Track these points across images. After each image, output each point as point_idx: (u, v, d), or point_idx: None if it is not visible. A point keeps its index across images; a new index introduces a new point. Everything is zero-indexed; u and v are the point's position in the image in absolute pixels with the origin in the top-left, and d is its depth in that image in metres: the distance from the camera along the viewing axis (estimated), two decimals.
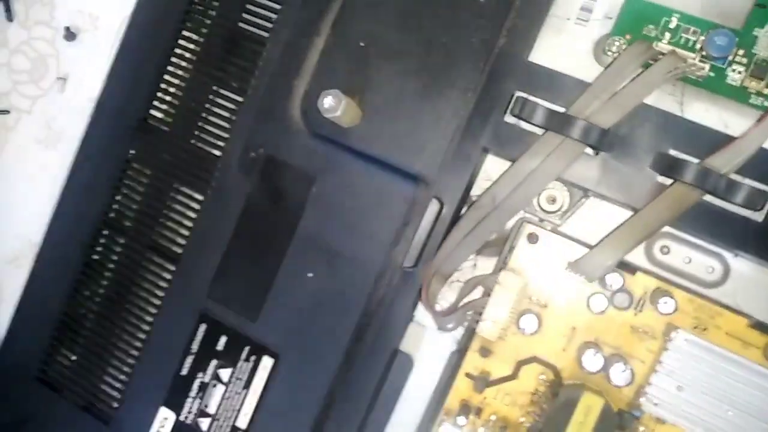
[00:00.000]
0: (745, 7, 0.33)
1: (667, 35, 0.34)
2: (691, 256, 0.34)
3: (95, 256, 0.41)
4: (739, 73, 0.34)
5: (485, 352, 0.33)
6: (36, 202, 0.45)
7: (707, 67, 0.33)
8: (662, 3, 0.34)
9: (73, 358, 0.41)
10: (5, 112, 0.47)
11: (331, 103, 0.33)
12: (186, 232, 0.39)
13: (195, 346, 0.38)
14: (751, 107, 0.33)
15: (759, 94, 0.33)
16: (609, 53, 0.35)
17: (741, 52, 0.34)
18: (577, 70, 0.34)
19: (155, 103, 0.40)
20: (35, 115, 0.47)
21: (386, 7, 0.36)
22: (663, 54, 0.33)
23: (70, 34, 0.45)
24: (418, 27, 0.35)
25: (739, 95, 0.34)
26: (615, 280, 0.31)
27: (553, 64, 0.35)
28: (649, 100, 0.33)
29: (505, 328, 0.33)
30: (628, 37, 0.35)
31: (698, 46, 0.34)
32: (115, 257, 0.40)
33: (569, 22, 0.35)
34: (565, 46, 0.35)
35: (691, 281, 0.34)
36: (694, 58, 0.33)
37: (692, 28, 0.34)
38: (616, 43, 0.34)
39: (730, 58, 0.34)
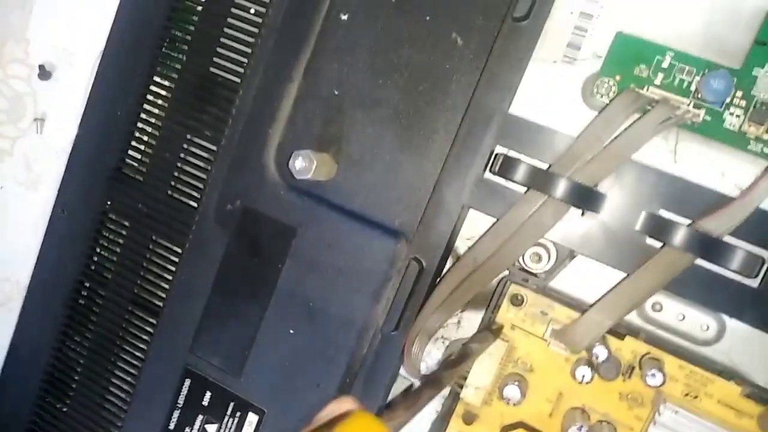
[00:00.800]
0: (745, 44, 0.31)
1: (660, 75, 0.32)
2: (685, 313, 0.32)
3: (79, 307, 0.40)
4: (738, 117, 0.31)
5: (470, 417, 0.32)
6: (22, 244, 0.44)
7: (702, 113, 0.31)
8: (655, 40, 0.32)
9: (64, 409, 0.41)
10: None
11: (302, 164, 0.32)
12: (166, 286, 0.38)
13: (181, 401, 0.38)
14: (750, 154, 0.31)
15: (758, 140, 0.31)
16: (597, 95, 0.32)
17: (739, 93, 0.31)
18: (564, 114, 0.32)
19: (129, 151, 0.39)
20: (16, 156, 0.46)
21: (360, 52, 0.34)
22: (654, 102, 0.31)
23: (45, 73, 0.44)
24: (393, 73, 0.33)
25: (737, 141, 0.31)
26: (601, 351, 0.29)
27: (538, 111, 0.33)
28: (639, 151, 0.31)
29: (490, 392, 0.32)
30: (618, 78, 0.32)
31: (693, 87, 0.31)
32: (97, 309, 0.40)
33: (555, 64, 0.33)
34: (552, 88, 0.33)
35: (684, 339, 0.32)
36: (688, 104, 0.31)
37: (687, 68, 0.32)
38: (605, 85, 0.32)
39: (728, 100, 0.31)
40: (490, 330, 0.32)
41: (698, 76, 0.31)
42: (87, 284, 0.40)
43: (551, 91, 0.33)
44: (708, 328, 0.32)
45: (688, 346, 0.32)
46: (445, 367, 0.32)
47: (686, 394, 0.30)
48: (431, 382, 0.30)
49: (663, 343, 0.32)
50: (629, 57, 0.32)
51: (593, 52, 0.33)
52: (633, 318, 0.33)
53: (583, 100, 0.33)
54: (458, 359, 0.31)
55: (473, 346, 0.31)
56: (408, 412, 0.28)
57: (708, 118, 0.32)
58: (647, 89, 0.32)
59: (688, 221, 0.29)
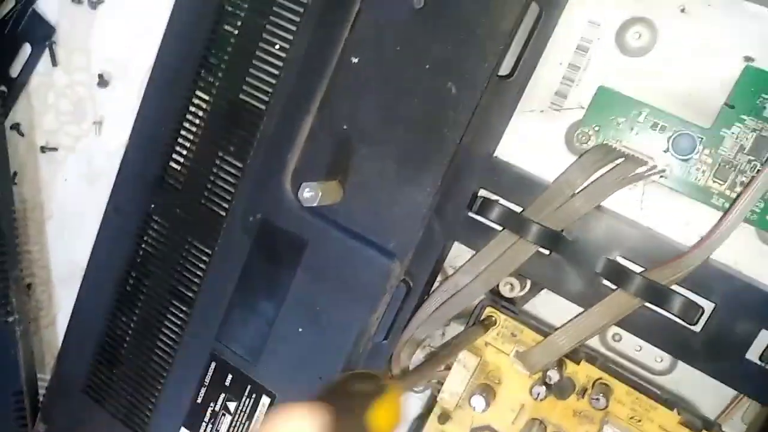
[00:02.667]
0: (717, 105, 0.34)
1: (635, 129, 0.35)
2: (642, 344, 0.36)
3: (126, 292, 0.47)
4: (703, 173, 0.34)
5: (444, 418, 0.37)
6: (82, 230, 0.51)
7: (667, 171, 0.34)
8: (634, 95, 0.35)
9: (113, 376, 0.48)
10: (54, 149, 0.53)
11: (308, 194, 0.36)
12: (198, 281, 0.44)
13: (207, 380, 0.44)
14: (712, 207, 0.34)
15: (721, 195, 0.34)
16: (578, 143, 0.36)
17: (707, 151, 0.34)
18: (549, 160, 0.36)
19: (171, 163, 0.44)
20: (78, 153, 0.52)
21: (367, 93, 0.38)
22: (624, 156, 0.34)
23: (102, 81, 0.50)
24: (395, 114, 0.37)
25: (701, 195, 0.34)
26: (553, 374, 0.33)
27: (526, 156, 0.36)
28: (608, 199, 0.34)
29: (463, 398, 0.36)
30: (596, 128, 0.36)
31: (665, 142, 0.34)
32: (141, 296, 0.46)
33: (543, 113, 0.37)
34: (538, 135, 0.37)
35: (640, 368, 0.36)
36: (653, 160, 0.34)
37: (661, 123, 0.35)
38: (585, 134, 0.36)
39: (696, 157, 0.34)
40: (481, 323, 0.37)
41: (670, 132, 0.34)
42: (133, 274, 0.46)
43: (538, 137, 0.37)
44: (662, 360, 0.36)
45: (644, 374, 0.36)
46: (438, 355, 0.36)
47: (631, 417, 0.34)
48: (431, 361, 0.34)
49: (621, 369, 0.36)
50: (609, 109, 0.35)
51: (578, 102, 0.36)
52: (596, 345, 0.37)
53: (566, 148, 0.36)
54: (454, 347, 0.35)
55: (464, 338, 0.36)
56: (419, 375, 0.32)
57: (676, 171, 0.35)
58: (621, 142, 0.35)
59: (641, 268, 0.33)
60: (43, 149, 0.53)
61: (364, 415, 0.22)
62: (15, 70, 0.52)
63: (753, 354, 0.31)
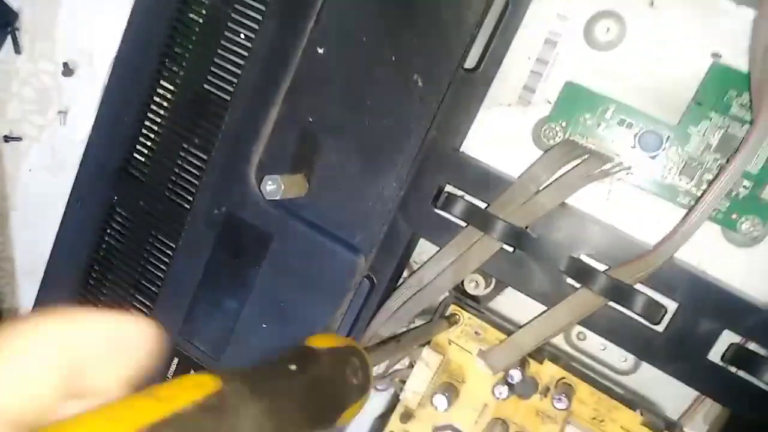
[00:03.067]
0: (685, 101, 0.33)
1: (602, 125, 0.34)
2: (606, 344, 0.35)
3: (89, 286, 0.46)
4: (670, 170, 0.34)
5: (407, 417, 0.37)
6: (46, 223, 0.50)
7: (633, 168, 0.34)
8: (602, 91, 0.34)
9: None
10: (18, 138, 0.52)
11: (271, 188, 0.36)
12: (161, 275, 0.43)
13: (170, 376, 0.43)
14: (678, 205, 0.34)
15: (687, 193, 0.34)
16: (545, 139, 0.35)
17: (674, 149, 0.34)
18: (516, 155, 0.35)
19: (134, 153, 0.43)
20: (43, 143, 0.51)
21: (333, 85, 0.37)
22: (589, 153, 0.33)
23: (67, 70, 0.49)
24: (361, 106, 0.36)
25: (668, 193, 0.34)
26: (515, 374, 0.33)
27: (493, 151, 0.36)
28: (574, 196, 0.33)
29: (426, 397, 0.36)
30: (563, 124, 0.35)
31: (632, 139, 0.34)
32: (104, 290, 0.45)
33: (510, 107, 0.36)
34: (506, 130, 0.36)
35: (605, 367, 0.36)
36: (620, 157, 0.34)
37: (628, 120, 0.34)
38: (552, 130, 0.35)
39: (663, 154, 0.34)
40: (446, 318, 0.36)
41: (637, 129, 0.34)
42: (96, 267, 0.45)
43: (505, 132, 0.36)
44: (626, 360, 0.36)
45: (608, 374, 0.36)
46: (406, 335, 0.35)
47: (593, 418, 0.33)
48: (395, 341, 0.33)
49: (585, 368, 0.36)
50: (575, 105, 0.35)
51: (545, 98, 0.36)
52: (561, 344, 0.37)
53: (533, 143, 0.36)
54: (419, 333, 0.35)
55: (431, 327, 0.35)
56: (375, 356, 0.31)
57: (642, 169, 0.34)
58: (587, 139, 0.34)
59: (606, 267, 0.32)
60: (6, 138, 0.52)
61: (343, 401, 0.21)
62: None
63: (715, 355, 0.31)
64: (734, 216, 0.33)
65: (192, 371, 0.42)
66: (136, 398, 0.14)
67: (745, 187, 0.32)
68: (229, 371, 0.17)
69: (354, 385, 0.21)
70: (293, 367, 0.19)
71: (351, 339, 0.24)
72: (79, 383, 0.14)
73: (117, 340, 0.16)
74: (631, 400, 0.34)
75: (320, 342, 0.22)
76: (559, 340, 0.37)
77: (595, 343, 0.36)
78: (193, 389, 0.15)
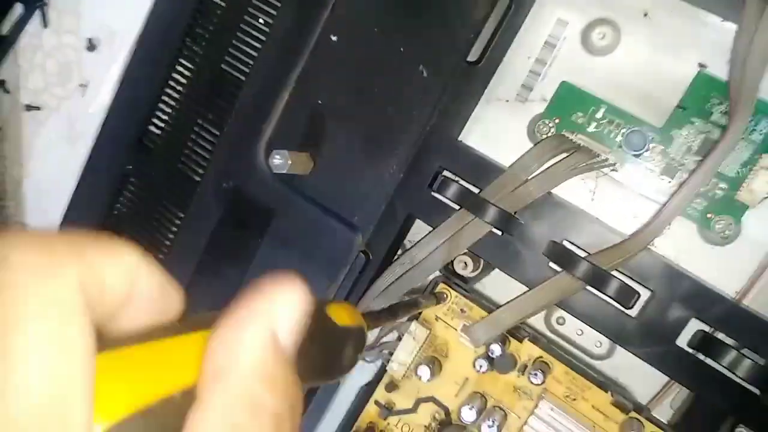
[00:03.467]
0: (671, 106, 0.36)
1: (593, 124, 0.37)
2: (583, 328, 0.37)
3: None
4: (652, 169, 0.36)
5: (392, 386, 0.39)
6: (59, 191, 0.52)
7: (618, 165, 0.36)
8: (595, 92, 0.37)
9: None
10: (38, 108, 0.54)
11: (279, 162, 0.38)
12: (168, 243, 0.45)
13: None
14: (657, 203, 0.36)
15: (667, 191, 0.36)
16: (538, 134, 0.38)
17: (658, 149, 0.36)
18: (511, 148, 0.38)
19: (150, 126, 0.46)
20: (62, 114, 0.53)
21: (343, 71, 0.39)
22: (578, 147, 0.36)
23: (91, 46, 0.51)
24: (368, 93, 0.39)
25: (649, 190, 0.36)
26: (496, 348, 0.35)
27: (490, 142, 0.38)
28: (561, 188, 0.36)
29: (411, 369, 0.38)
30: (557, 121, 0.37)
31: (619, 138, 0.36)
32: None
33: (508, 102, 0.38)
34: (503, 124, 0.38)
35: (580, 351, 0.38)
36: (607, 153, 0.36)
37: (616, 120, 0.36)
38: (546, 126, 0.37)
39: (647, 154, 0.36)
40: (433, 294, 0.38)
41: (625, 129, 0.36)
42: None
43: (503, 125, 0.39)
44: (601, 345, 0.38)
45: (583, 357, 0.38)
46: (400, 306, 0.37)
47: (566, 396, 0.35)
48: (389, 310, 0.35)
49: (563, 351, 0.38)
50: (569, 104, 0.37)
51: (542, 95, 0.38)
52: (541, 327, 0.39)
53: (528, 138, 0.38)
54: (410, 304, 0.36)
55: (421, 300, 0.37)
56: (370, 323, 0.33)
57: (627, 166, 0.37)
58: (577, 135, 0.37)
59: (584, 253, 0.34)
60: (27, 108, 0.54)
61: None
62: (5, 28, 0.53)
63: (683, 341, 0.33)
64: (709, 215, 0.35)
65: None
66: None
67: (721, 188, 0.35)
68: None
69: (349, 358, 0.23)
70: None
71: (361, 316, 0.25)
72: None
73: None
74: (604, 383, 0.36)
75: (338, 313, 0.23)
76: (539, 324, 0.39)
77: (572, 328, 0.38)
78: None
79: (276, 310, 0.15)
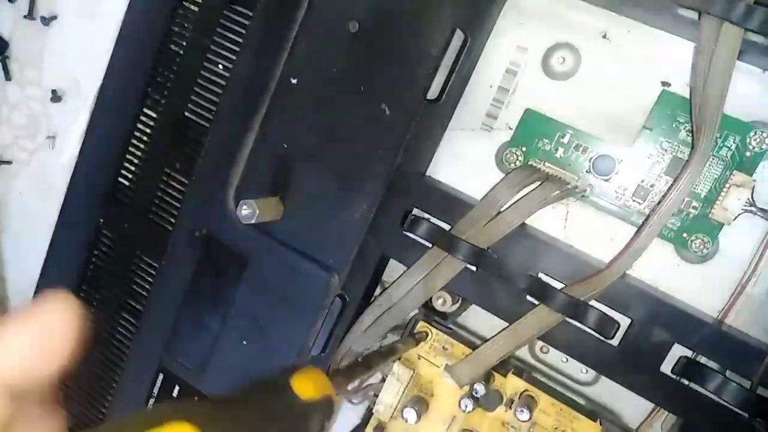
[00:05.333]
0: (637, 127, 0.35)
1: (560, 150, 0.36)
2: (568, 357, 0.37)
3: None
4: (623, 192, 0.36)
5: (380, 429, 0.38)
6: (36, 245, 0.52)
7: (588, 189, 0.36)
8: (559, 118, 0.36)
9: (63, 387, 0.48)
10: (8, 162, 0.53)
11: (247, 212, 0.37)
12: (146, 294, 0.45)
13: (155, 391, 0.45)
14: (633, 225, 0.35)
15: (640, 213, 0.35)
16: (506, 163, 0.37)
17: (627, 171, 0.35)
18: (480, 179, 0.37)
19: (119, 178, 0.45)
20: (32, 167, 0.53)
21: (305, 113, 0.39)
22: (547, 177, 0.35)
23: (56, 97, 0.51)
24: (332, 134, 0.38)
25: (622, 214, 0.36)
26: (480, 387, 0.35)
27: (458, 174, 0.38)
28: (533, 218, 0.35)
29: (398, 410, 0.38)
30: (523, 149, 0.37)
31: (587, 163, 0.36)
32: (92, 309, 0.47)
33: (474, 132, 0.38)
34: (470, 155, 0.38)
35: (566, 378, 0.37)
36: (576, 180, 0.36)
37: (583, 145, 0.36)
38: (513, 155, 0.37)
39: (616, 177, 0.36)
40: (412, 336, 0.38)
41: (592, 153, 0.36)
42: (83, 287, 0.47)
43: (470, 156, 0.38)
44: (587, 371, 0.37)
45: (570, 384, 0.37)
46: (376, 356, 0.37)
47: (555, 428, 0.35)
48: (365, 363, 0.35)
49: (549, 380, 0.37)
50: (534, 131, 0.37)
51: (506, 123, 0.37)
52: (525, 356, 0.39)
53: (496, 167, 0.38)
54: (387, 352, 0.36)
55: (399, 345, 0.37)
56: (344, 380, 0.32)
57: (597, 191, 0.36)
58: (545, 163, 0.36)
59: (562, 284, 0.34)
60: None
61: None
62: None
63: (667, 367, 0.33)
64: (685, 235, 0.35)
65: (177, 387, 0.44)
66: None
67: (694, 207, 0.34)
68: (201, 413, 0.18)
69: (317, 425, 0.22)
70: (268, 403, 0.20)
71: (330, 384, 0.24)
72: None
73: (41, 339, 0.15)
74: (592, 411, 0.35)
75: (303, 386, 0.22)
76: (524, 353, 0.39)
77: (557, 356, 0.38)
78: None
79: None
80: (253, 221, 0.37)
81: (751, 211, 0.34)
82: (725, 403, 0.31)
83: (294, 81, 0.39)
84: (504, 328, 0.35)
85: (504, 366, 0.36)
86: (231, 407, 0.20)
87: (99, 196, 0.46)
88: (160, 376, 0.45)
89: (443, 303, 0.37)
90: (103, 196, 0.46)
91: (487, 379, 0.35)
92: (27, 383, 0.15)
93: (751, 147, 0.33)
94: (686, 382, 0.33)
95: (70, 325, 0.16)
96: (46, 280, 0.49)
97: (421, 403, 0.37)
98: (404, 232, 0.37)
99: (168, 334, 0.44)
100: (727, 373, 0.32)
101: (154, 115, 0.44)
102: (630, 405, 0.37)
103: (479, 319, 0.39)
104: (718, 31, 0.30)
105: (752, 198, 0.33)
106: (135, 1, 0.43)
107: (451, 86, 0.36)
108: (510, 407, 0.36)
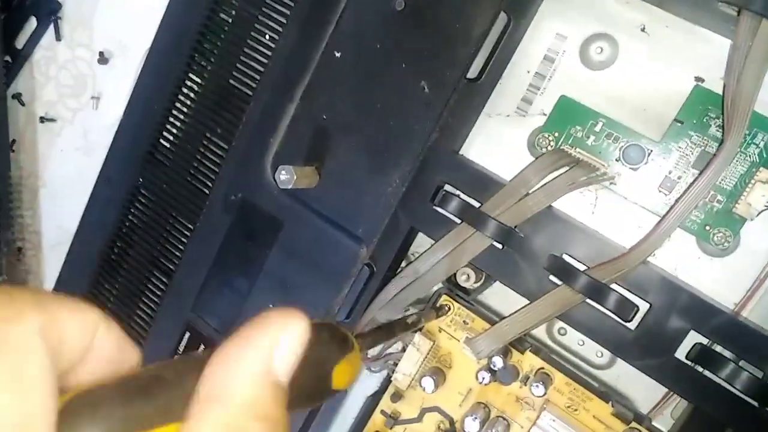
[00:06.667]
0: (668, 120, 0.36)
1: (592, 137, 0.37)
2: (585, 339, 0.38)
3: (111, 261, 0.49)
4: (650, 182, 0.37)
5: (397, 396, 0.39)
6: (74, 199, 0.54)
7: (616, 178, 0.37)
8: (593, 106, 0.37)
9: None
10: (53, 120, 0.55)
11: (285, 177, 0.39)
12: (179, 254, 0.46)
13: (181, 349, 0.46)
14: (657, 215, 0.36)
15: (665, 204, 0.36)
16: (538, 148, 0.38)
17: (656, 162, 0.36)
18: (512, 162, 0.38)
19: (161, 140, 0.47)
20: (75, 125, 0.55)
21: (346, 86, 0.40)
22: (577, 161, 0.36)
23: (103, 59, 0.53)
24: (371, 108, 0.40)
25: (647, 203, 0.37)
26: (498, 361, 0.36)
27: (492, 156, 0.39)
28: (561, 201, 0.36)
29: (416, 379, 0.39)
30: (556, 134, 0.38)
31: (617, 151, 0.37)
32: (125, 265, 0.49)
33: (509, 117, 0.39)
34: (504, 138, 0.39)
35: (582, 361, 0.38)
36: (605, 167, 0.37)
37: (615, 134, 0.37)
38: (545, 140, 0.38)
39: (645, 167, 0.36)
40: (434, 309, 0.39)
41: (623, 143, 0.37)
42: (118, 243, 0.49)
43: (503, 139, 0.39)
44: (602, 355, 0.38)
45: (585, 367, 0.38)
46: (398, 324, 0.38)
47: (568, 406, 0.36)
48: (387, 329, 0.36)
49: (564, 362, 0.39)
50: (568, 118, 0.38)
51: (541, 109, 0.39)
52: (543, 337, 0.40)
53: (528, 152, 0.39)
54: (409, 322, 0.37)
55: (421, 317, 0.38)
56: (367, 341, 0.33)
57: (626, 180, 0.37)
58: (576, 149, 0.37)
59: (584, 266, 0.35)
60: (42, 119, 0.56)
61: (329, 367, 0.23)
62: (20, 42, 0.55)
63: (681, 353, 0.34)
64: (707, 228, 0.36)
65: (202, 346, 0.45)
66: None
67: (719, 201, 0.35)
68: None
69: (329, 350, 0.23)
70: None
71: (359, 367, 0.25)
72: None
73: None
74: (605, 393, 0.36)
75: (340, 377, 0.23)
76: (541, 335, 0.40)
77: (574, 339, 0.39)
78: None
79: (274, 347, 0.16)
80: (290, 186, 0.39)
81: None
82: (736, 392, 0.32)
83: (338, 54, 0.40)
84: (525, 305, 0.36)
85: (521, 343, 0.37)
86: None
87: (140, 157, 0.48)
88: (187, 335, 0.46)
89: (467, 279, 0.38)
90: (143, 156, 0.47)
91: (505, 354, 0.37)
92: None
93: None
94: (700, 369, 0.34)
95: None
96: (83, 234, 0.51)
97: (439, 374, 0.38)
98: (434, 207, 0.38)
99: (197, 294, 0.46)
100: (741, 363, 0.33)
101: (199, 80, 0.45)
102: (642, 391, 0.38)
103: (500, 299, 0.40)
104: (756, 28, 0.30)
105: None
106: None
107: (490, 68, 0.37)
108: (525, 383, 0.37)
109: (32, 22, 0.55)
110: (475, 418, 0.36)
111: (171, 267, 0.47)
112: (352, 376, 0.24)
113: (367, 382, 0.42)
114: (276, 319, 0.16)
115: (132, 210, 0.48)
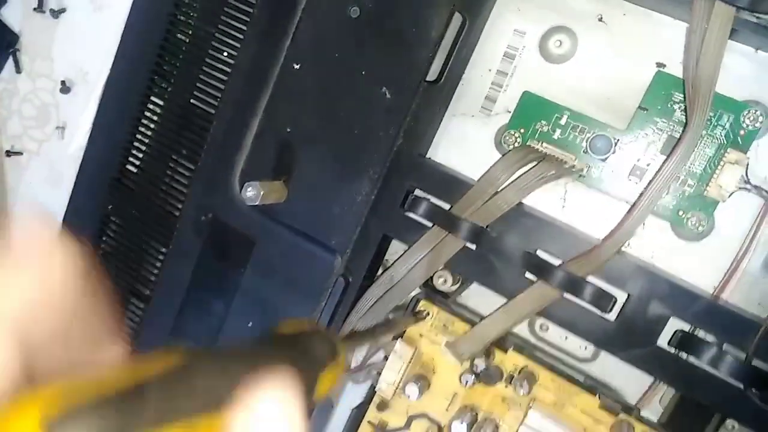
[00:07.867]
0: (632, 108, 0.36)
1: (558, 131, 0.37)
2: (568, 334, 0.38)
3: None
4: (619, 172, 0.36)
5: (383, 406, 0.39)
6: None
7: (585, 169, 0.36)
8: (556, 100, 0.37)
9: None
10: (19, 153, 0.54)
11: (251, 193, 0.38)
12: (154, 279, 0.46)
13: None
14: (629, 204, 0.36)
15: (636, 192, 0.36)
16: (505, 145, 0.38)
17: (623, 151, 0.36)
18: (480, 161, 0.38)
19: (127, 165, 0.46)
20: (42, 157, 0.54)
21: (308, 98, 0.40)
22: (544, 156, 0.36)
23: (65, 88, 0.52)
24: (335, 117, 0.39)
25: (618, 193, 0.36)
26: (480, 363, 0.35)
27: (458, 157, 0.38)
28: (532, 197, 0.36)
29: (400, 387, 0.38)
30: (522, 131, 0.38)
31: (584, 144, 0.37)
32: None
33: (473, 117, 0.39)
34: (470, 138, 0.39)
35: (567, 355, 0.38)
36: (573, 160, 0.36)
37: (580, 126, 0.37)
38: (512, 137, 0.38)
39: (612, 157, 0.36)
40: (413, 313, 0.38)
41: (589, 134, 0.36)
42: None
43: (470, 139, 0.39)
44: (586, 348, 0.38)
45: (570, 362, 0.38)
46: (380, 326, 0.37)
47: (555, 403, 0.36)
48: (368, 333, 0.36)
49: (549, 357, 0.38)
50: (532, 113, 0.37)
51: (505, 107, 0.38)
52: (526, 335, 0.39)
53: (496, 150, 0.39)
54: (390, 324, 0.37)
55: (402, 320, 0.38)
56: (349, 343, 0.33)
57: (594, 171, 0.37)
58: (543, 144, 0.37)
59: (559, 261, 0.35)
60: (8, 153, 0.55)
61: (316, 375, 0.23)
62: None
63: (663, 340, 0.33)
64: (681, 213, 0.35)
65: None
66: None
67: (689, 185, 0.35)
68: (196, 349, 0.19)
69: (319, 358, 0.23)
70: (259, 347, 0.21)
71: (318, 324, 0.25)
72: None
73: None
74: (591, 387, 0.36)
75: (288, 328, 0.24)
76: (524, 332, 0.39)
77: (557, 334, 0.39)
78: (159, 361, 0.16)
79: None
80: (257, 203, 0.38)
81: (745, 189, 0.34)
82: (720, 376, 0.32)
83: (297, 66, 0.40)
84: (503, 305, 0.35)
85: (503, 342, 0.37)
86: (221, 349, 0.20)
87: (107, 184, 0.47)
88: None
89: (444, 282, 0.38)
90: (111, 183, 0.47)
91: (487, 355, 0.36)
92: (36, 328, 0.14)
93: (744, 125, 0.34)
94: (683, 356, 0.33)
95: (72, 264, 0.15)
96: None
97: (423, 380, 0.38)
98: (405, 213, 0.37)
99: (175, 318, 0.45)
100: (724, 347, 0.33)
101: (160, 102, 0.45)
102: (629, 382, 0.37)
103: (480, 299, 0.40)
104: (710, 10, 0.30)
105: (746, 175, 0.34)
106: None
107: (450, 68, 0.36)
108: (510, 383, 0.36)
109: None
110: (463, 421, 0.36)
111: (147, 292, 0.46)
112: (333, 384, 0.24)
113: (352, 394, 0.42)
114: (261, 396, 0.15)
115: (103, 238, 0.48)
